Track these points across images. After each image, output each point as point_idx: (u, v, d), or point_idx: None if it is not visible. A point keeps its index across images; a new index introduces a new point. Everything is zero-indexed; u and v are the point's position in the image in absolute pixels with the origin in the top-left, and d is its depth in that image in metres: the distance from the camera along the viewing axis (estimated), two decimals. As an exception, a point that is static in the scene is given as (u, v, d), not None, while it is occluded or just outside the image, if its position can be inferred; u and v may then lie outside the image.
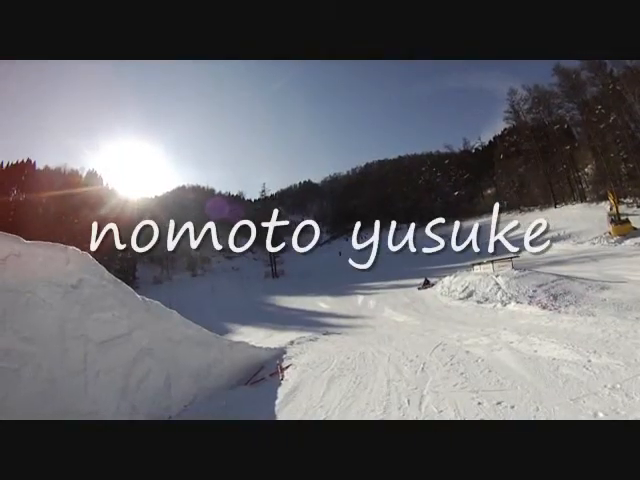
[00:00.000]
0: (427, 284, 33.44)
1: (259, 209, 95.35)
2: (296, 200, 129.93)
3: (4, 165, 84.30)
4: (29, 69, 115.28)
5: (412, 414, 7.58)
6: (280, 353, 16.49)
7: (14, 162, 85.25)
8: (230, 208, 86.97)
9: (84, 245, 10.00)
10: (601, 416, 5.90)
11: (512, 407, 6.93)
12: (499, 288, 23.30)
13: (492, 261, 27.81)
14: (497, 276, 24.91)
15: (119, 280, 11.13)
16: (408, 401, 8.31)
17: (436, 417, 7.19)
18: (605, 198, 50.75)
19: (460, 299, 25.48)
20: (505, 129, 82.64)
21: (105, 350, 9.55)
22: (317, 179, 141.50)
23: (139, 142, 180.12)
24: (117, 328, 10.09)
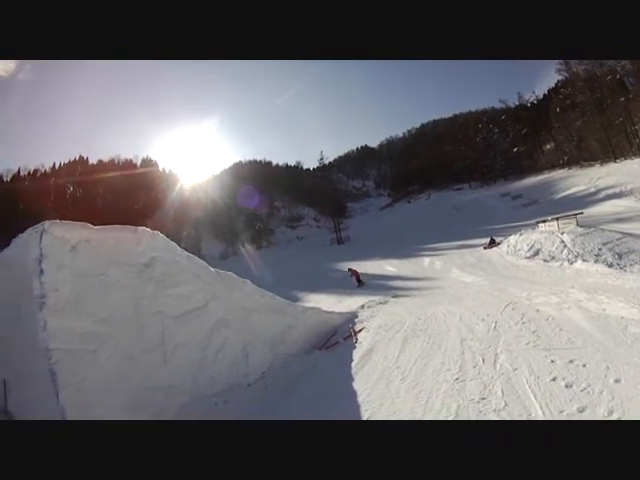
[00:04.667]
0: (493, 243, 32.32)
1: (318, 177, 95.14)
2: (355, 166, 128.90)
3: (57, 165, 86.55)
4: (74, 65, 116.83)
5: (487, 372, 7.79)
6: (352, 317, 16.58)
7: (66, 161, 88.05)
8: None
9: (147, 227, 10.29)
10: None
11: (584, 365, 7.00)
12: (565, 246, 22.65)
13: (557, 218, 27.25)
14: (562, 234, 24.28)
15: (192, 255, 11.43)
16: (483, 360, 8.49)
17: (511, 375, 7.39)
18: (665, 152, 48.57)
19: (526, 258, 24.80)
20: (558, 81, 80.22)
21: (181, 324, 9.90)
22: (374, 143, 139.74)
23: (193, 126, 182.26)
24: (192, 302, 10.39)
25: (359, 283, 29.20)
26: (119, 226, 9.68)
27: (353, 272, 30.46)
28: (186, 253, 11.22)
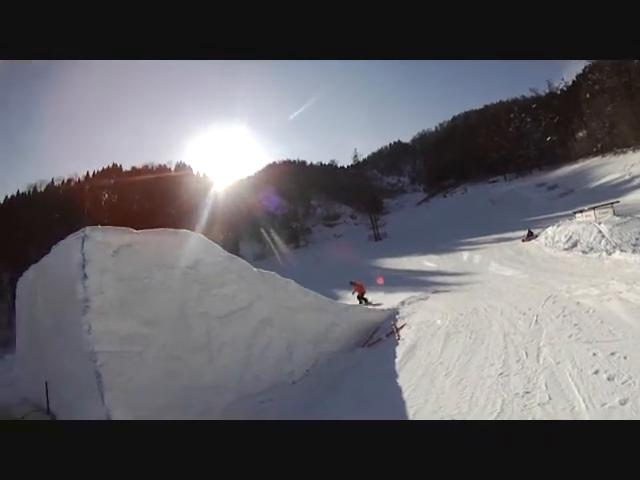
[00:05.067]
0: (531, 236, 31.77)
1: (353, 174, 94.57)
2: (389, 162, 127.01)
3: (91, 173, 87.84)
4: (102, 71, 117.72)
5: (531, 366, 7.87)
6: (393, 314, 16.53)
7: (100, 169, 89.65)
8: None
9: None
10: None
11: (625, 358, 7.04)
12: (603, 236, 22.44)
13: (594, 208, 26.95)
14: (600, 224, 24.04)
15: (234, 256, 11.64)
16: (526, 354, 8.56)
17: (554, 368, 7.47)
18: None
19: (565, 249, 24.56)
20: (586, 67, 78.25)
21: (227, 324, 10.19)
22: (406, 138, 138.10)
23: (224, 129, 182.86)
24: (237, 302, 10.66)
25: (361, 301, 23.86)
26: (160, 229, 9.96)
27: (357, 287, 25.17)
28: (228, 254, 11.43)
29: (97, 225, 8.89)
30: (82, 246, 8.28)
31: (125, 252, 8.84)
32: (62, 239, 9.33)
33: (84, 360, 8.03)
